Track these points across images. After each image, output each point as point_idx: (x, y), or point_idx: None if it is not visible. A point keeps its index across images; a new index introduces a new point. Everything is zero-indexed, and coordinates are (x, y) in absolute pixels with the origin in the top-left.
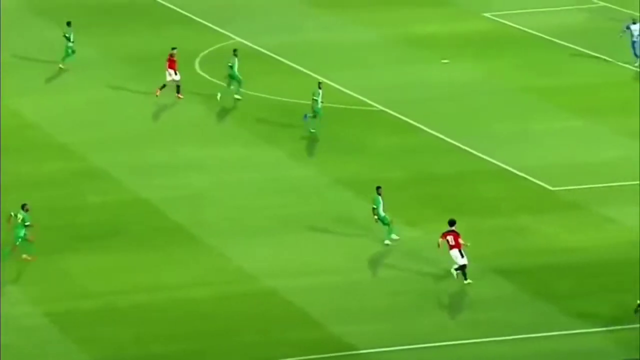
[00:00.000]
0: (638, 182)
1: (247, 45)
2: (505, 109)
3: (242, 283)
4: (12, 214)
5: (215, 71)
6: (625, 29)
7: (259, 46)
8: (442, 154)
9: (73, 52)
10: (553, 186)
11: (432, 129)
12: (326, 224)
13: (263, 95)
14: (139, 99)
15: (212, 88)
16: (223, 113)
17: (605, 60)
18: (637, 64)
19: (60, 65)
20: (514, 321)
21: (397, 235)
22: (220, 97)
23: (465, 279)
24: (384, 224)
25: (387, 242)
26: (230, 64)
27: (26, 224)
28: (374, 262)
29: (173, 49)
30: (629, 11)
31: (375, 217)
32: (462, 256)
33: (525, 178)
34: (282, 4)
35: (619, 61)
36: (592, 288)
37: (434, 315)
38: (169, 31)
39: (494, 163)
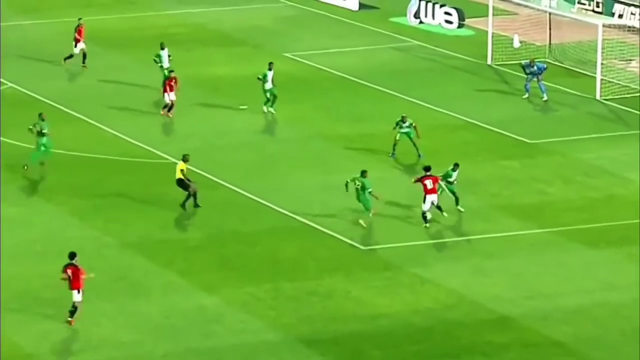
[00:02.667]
0: (456, 238)
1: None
2: (308, 157)
3: None
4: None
5: None
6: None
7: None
8: (240, 209)
9: None
10: (364, 245)
11: (228, 182)
12: (114, 294)
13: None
14: None
15: None
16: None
17: (414, 102)
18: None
19: None
20: None
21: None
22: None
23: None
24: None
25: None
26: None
27: (44, 131)
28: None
29: None
30: (441, 49)
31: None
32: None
33: (332, 236)
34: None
35: (428, 104)
36: (406, 356)
37: None
38: None
39: (297, 219)
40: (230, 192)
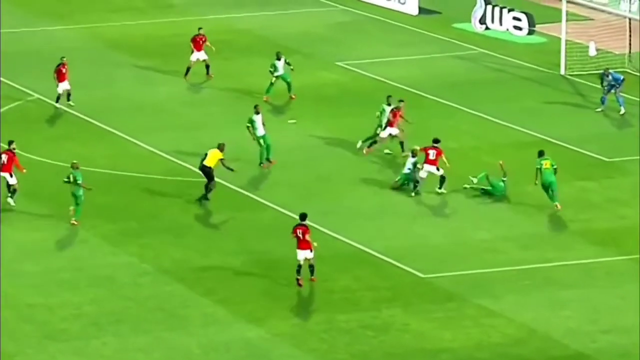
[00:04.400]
0: (527, 266)
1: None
2: (363, 177)
3: None
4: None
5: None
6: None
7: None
8: (288, 233)
9: None
10: (424, 273)
11: (275, 203)
12: (150, 325)
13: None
14: None
15: None
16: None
17: (480, 116)
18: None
19: None
20: None
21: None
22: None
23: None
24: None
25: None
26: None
27: (78, 182)
28: None
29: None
30: (509, 58)
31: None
32: (438, 169)
33: (390, 263)
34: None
35: (496, 118)
36: None
37: None
38: None
39: (351, 245)
40: (278, 214)
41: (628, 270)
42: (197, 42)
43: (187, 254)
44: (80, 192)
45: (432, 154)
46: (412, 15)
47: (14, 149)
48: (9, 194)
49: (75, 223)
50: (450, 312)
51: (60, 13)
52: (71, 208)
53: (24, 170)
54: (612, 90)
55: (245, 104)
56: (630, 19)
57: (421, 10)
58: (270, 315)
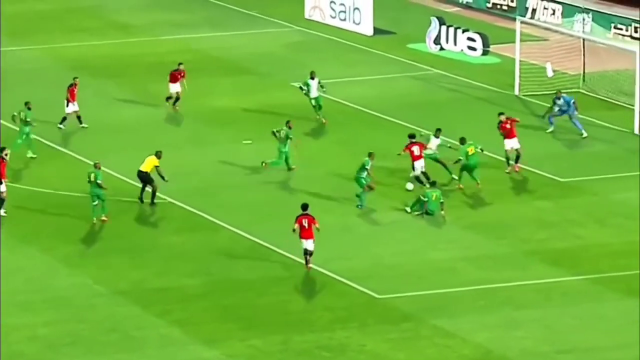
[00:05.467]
0: (483, 286)
1: None
2: (320, 197)
3: None
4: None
5: None
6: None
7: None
8: (244, 254)
9: None
10: (380, 294)
11: (231, 225)
12: (105, 347)
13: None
14: None
15: None
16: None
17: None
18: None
19: None
20: None
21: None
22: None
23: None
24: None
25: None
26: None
27: (98, 182)
28: None
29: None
30: (464, 79)
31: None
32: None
33: (345, 283)
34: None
35: (450, 138)
36: None
37: None
38: None
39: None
40: (234, 235)
41: (584, 290)
42: (175, 76)
43: (143, 274)
44: (101, 191)
45: (416, 150)
46: (367, 35)
47: (6, 154)
48: None
49: (105, 219)
50: (406, 332)
51: (18, 33)
52: (98, 219)
53: (5, 179)
54: (566, 114)
55: (201, 123)
56: (584, 40)
57: (376, 30)
58: (227, 337)
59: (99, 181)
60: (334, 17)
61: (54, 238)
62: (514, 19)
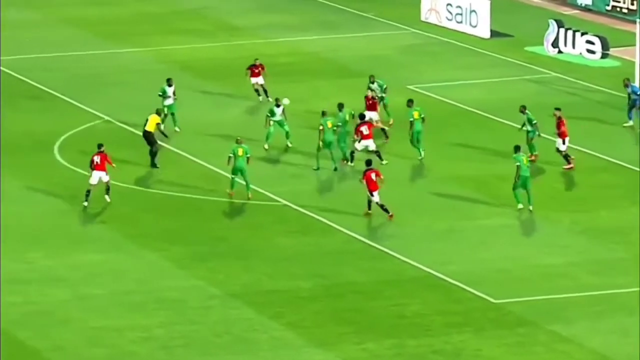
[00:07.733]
0: (599, 292)
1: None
2: (433, 201)
3: None
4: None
5: (78, 158)
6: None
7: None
8: (358, 257)
9: None
10: (496, 298)
11: (343, 227)
12: (218, 349)
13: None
14: None
15: (73, 179)
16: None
17: (553, 141)
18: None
19: None
20: None
21: None
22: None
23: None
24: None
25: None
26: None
27: (247, 156)
28: None
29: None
30: (582, 82)
31: None
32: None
33: (461, 288)
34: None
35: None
36: None
37: None
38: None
39: (421, 269)
40: (346, 237)
41: None
42: (253, 71)
43: (255, 277)
44: (246, 166)
45: (364, 129)
46: (484, 38)
47: (103, 150)
48: (105, 192)
49: (251, 196)
50: (521, 337)
51: (126, 36)
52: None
53: (114, 165)
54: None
55: (313, 126)
56: None
57: (493, 33)
58: (340, 340)
59: (248, 155)
60: (450, 20)
61: (165, 240)
62: (634, 22)
